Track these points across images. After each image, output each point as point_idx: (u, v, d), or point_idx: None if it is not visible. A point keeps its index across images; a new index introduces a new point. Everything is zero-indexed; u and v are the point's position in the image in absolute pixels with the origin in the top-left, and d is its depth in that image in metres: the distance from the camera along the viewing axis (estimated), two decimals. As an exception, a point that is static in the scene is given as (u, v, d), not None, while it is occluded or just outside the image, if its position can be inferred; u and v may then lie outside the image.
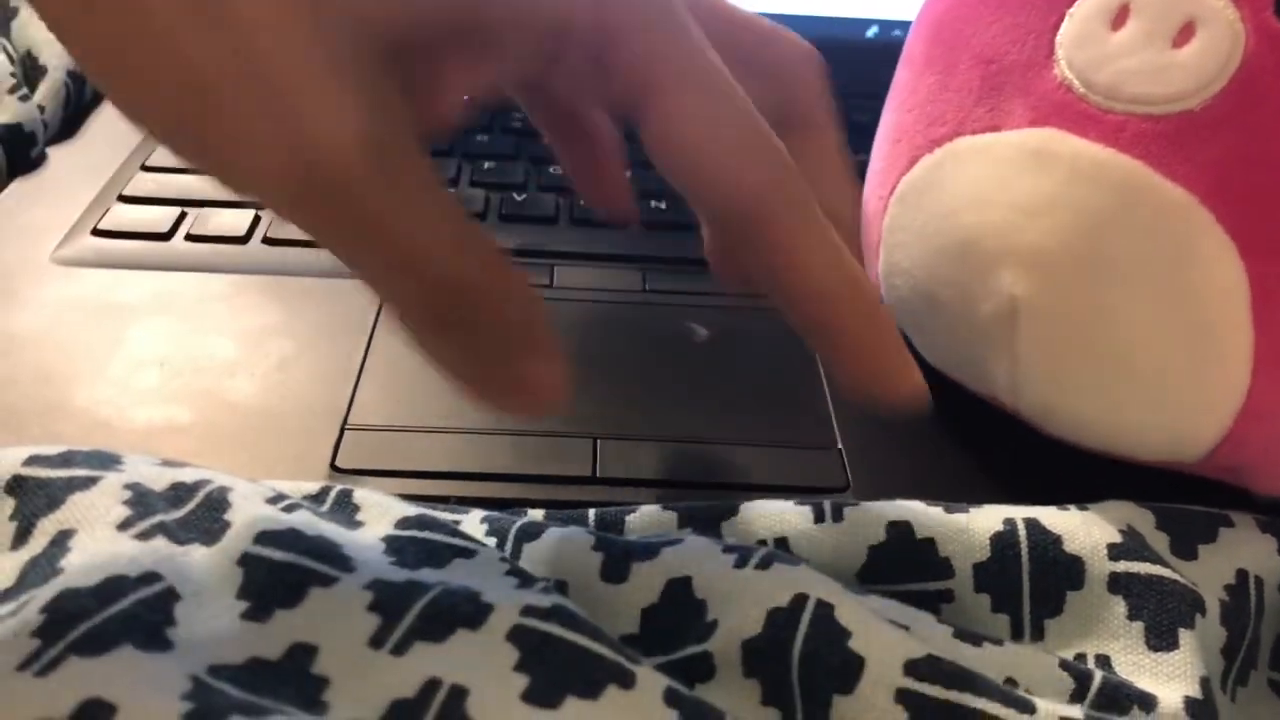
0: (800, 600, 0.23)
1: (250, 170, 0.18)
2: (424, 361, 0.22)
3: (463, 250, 0.20)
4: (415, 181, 0.19)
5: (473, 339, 0.21)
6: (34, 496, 0.22)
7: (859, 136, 0.35)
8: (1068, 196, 0.27)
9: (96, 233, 0.40)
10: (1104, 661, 0.25)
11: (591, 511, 0.28)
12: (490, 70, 0.21)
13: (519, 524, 0.26)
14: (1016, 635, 0.26)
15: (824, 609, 0.23)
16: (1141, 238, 0.26)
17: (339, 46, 0.18)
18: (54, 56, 0.48)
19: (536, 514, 0.28)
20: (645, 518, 0.28)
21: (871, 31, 0.55)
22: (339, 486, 0.27)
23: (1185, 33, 0.26)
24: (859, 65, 0.42)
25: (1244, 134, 0.26)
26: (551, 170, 0.46)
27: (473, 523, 0.27)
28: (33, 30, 0.49)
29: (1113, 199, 0.27)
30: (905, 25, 0.52)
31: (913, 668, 0.21)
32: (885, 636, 0.22)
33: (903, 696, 0.21)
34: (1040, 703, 0.21)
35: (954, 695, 0.21)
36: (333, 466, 0.30)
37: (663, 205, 0.44)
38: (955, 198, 0.29)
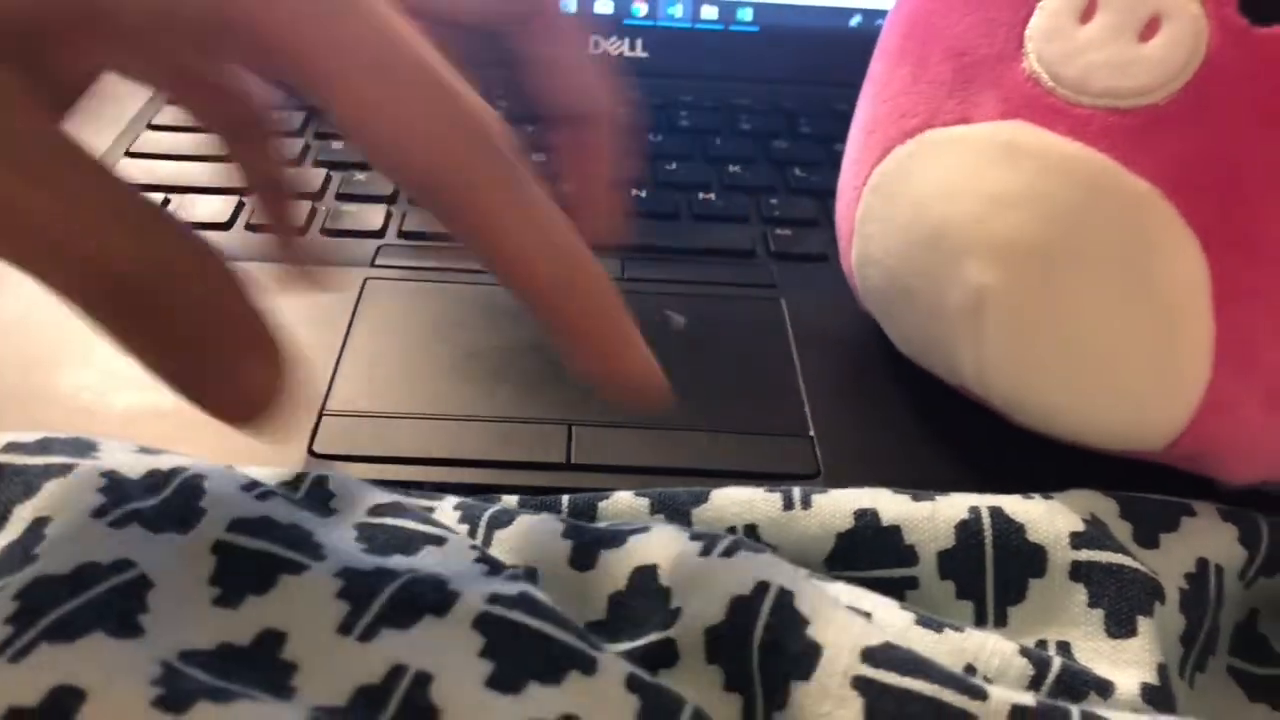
0: (762, 588, 0.23)
1: None
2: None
3: (127, 232, 0.18)
4: (42, 156, 0.17)
5: (165, 333, 0.19)
6: (10, 484, 0.23)
7: (841, 124, 0.35)
8: (1035, 189, 0.27)
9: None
10: (1064, 648, 0.26)
11: (565, 498, 0.28)
12: (131, 58, 0.20)
13: (490, 511, 0.27)
14: (980, 622, 0.27)
15: (785, 597, 0.23)
16: (1106, 230, 0.27)
17: None
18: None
19: (510, 500, 0.28)
20: (618, 504, 0.28)
21: (855, 20, 0.55)
22: (314, 473, 0.27)
23: (1151, 27, 0.26)
24: (842, 54, 0.42)
25: (1206, 128, 0.26)
26: (533, 158, 0.46)
27: (445, 510, 0.27)
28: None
29: (1079, 192, 0.27)
30: (887, 15, 0.52)
31: (869, 655, 0.22)
32: (843, 624, 0.23)
33: (858, 683, 0.21)
34: (993, 689, 0.21)
35: (908, 682, 0.21)
36: (310, 451, 0.30)
37: (642, 193, 0.45)
38: (926, 188, 0.30)
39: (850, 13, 0.54)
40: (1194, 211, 0.26)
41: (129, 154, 0.44)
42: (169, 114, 0.48)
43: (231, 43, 0.18)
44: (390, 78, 0.19)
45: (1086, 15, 0.27)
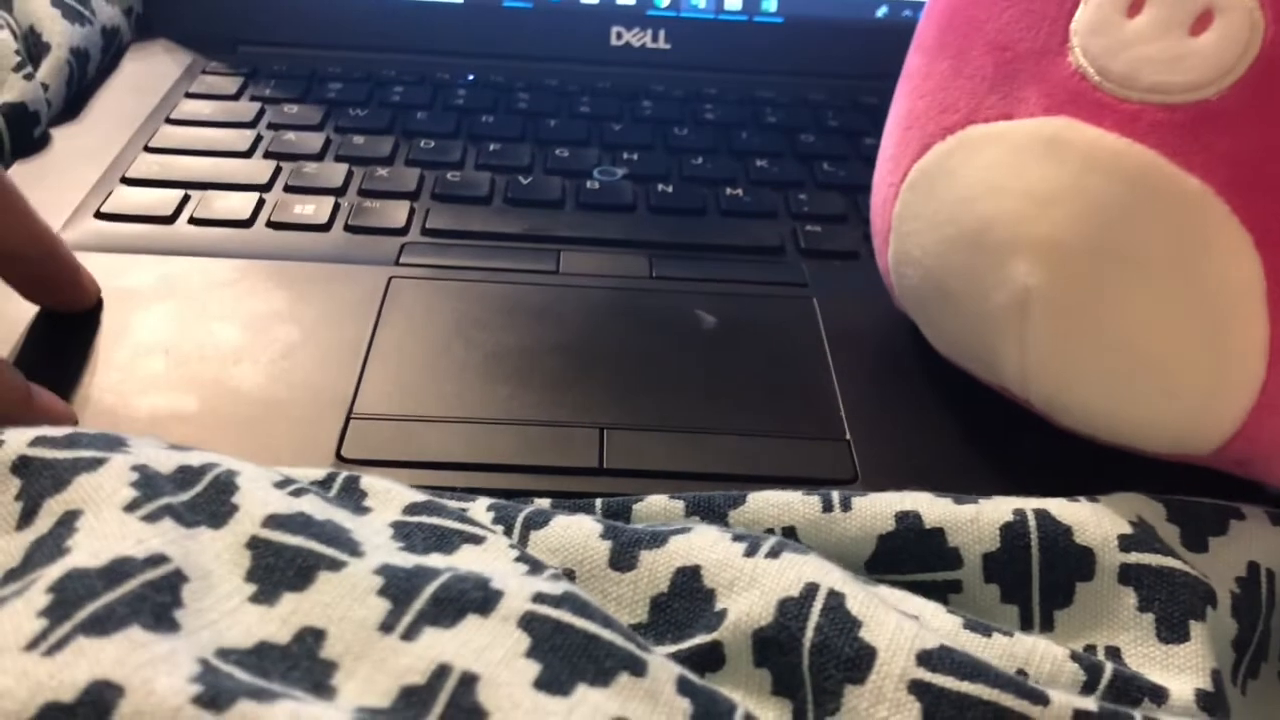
0: (811, 590, 0.23)
1: None
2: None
3: None
4: None
5: None
6: (40, 477, 0.22)
7: (868, 117, 0.35)
8: (1082, 186, 0.27)
9: (100, 215, 0.39)
10: (1114, 653, 0.25)
11: (598, 501, 0.28)
12: None
13: (525, 512, 0.26)
14: (1026, 626, 0.26)
15: (835, 599, 0.22)
16: (1156, 229, 0.26)
17: None
18: (57, 34, 0.48)
19: (543, 502, 0.28)
20: (652, 506, 0.28)
21: (881, 11, 0.54)
22: (345, 473, 0.27)
23: (1203, 21, 0.26)
24: (869, 45, 0.42)
25: (1261, 125, 0.25)
26: (558, 153, 0.46)
27: (479, 510, 0.26)
28: (35, 6, 0.49)
29: (1127, 189, 0.26)
30: (915, 5, 0.52)
31: (925, 658, 0.21)
32: (897, 626, 0.22)
33: (915, 687, 0.21)
34: (1054, 694, 0.21)
35: (967, 686, 0.21)
36: (338, 456, 0.30)
37: (669, 189, 0.44)
38: (968, 186, 0.29)
39: (876, 3, 0.54)
40: (1247, 209, 0.25)
41: (147, 149, 0.44)
42: (187, 108, 0.47)
43: None
44: None
45: (1135, 8, 0.27)
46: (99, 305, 0.35)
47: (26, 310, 0.34)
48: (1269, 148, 0.25)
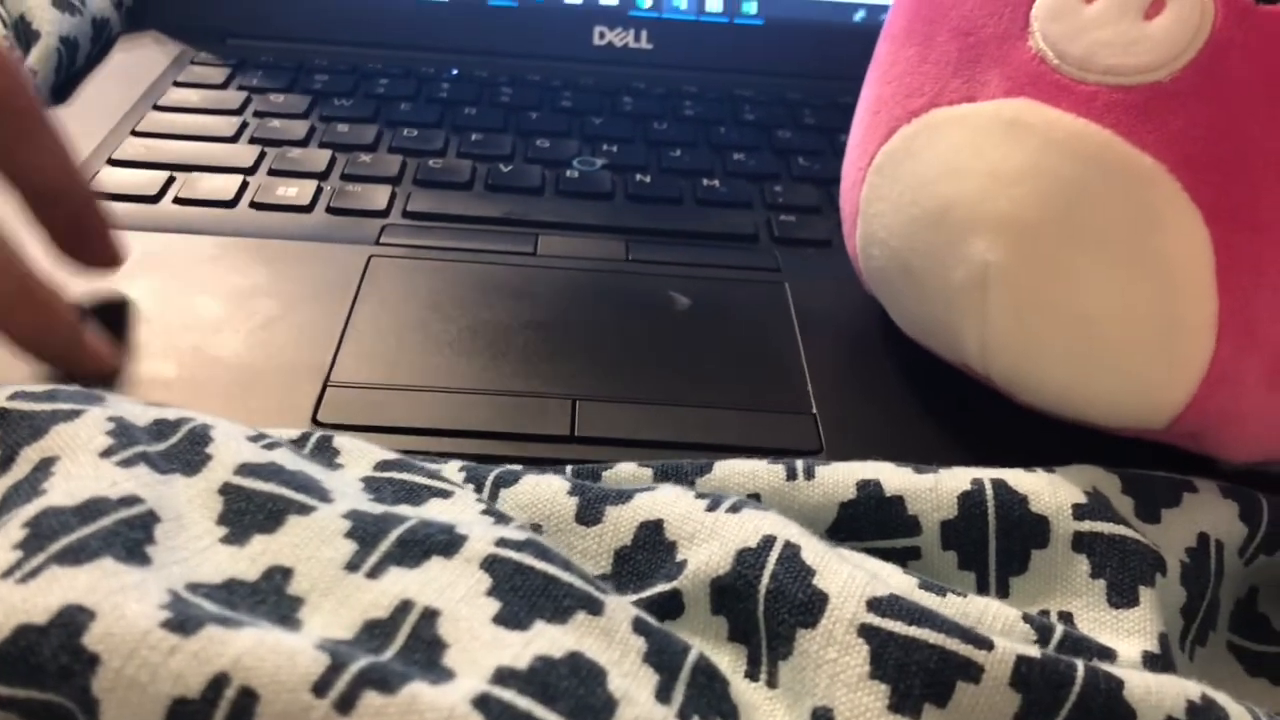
0: (768, 541, 0.23)
1: None
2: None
3: None
4: None
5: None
6: (17, 427, 0.23)
7: (845, 116, 0.36)
8: (1040, 165, 0.28)
9: (85, 194, 0.40)
10: (1066, 618, 0.26)
11: (568, 467, 0.28)
12: None
13: (496, 472, 0.27)
14: (982, 591, 0.27)
15: (791, 549, 0.23)
16: (1110, 206, 0.27)
17: None
18: (47, 22, 0.49)
19: (514, 466, 0.28)
20: (621, 473, 0.28)
21: (859, 15, 0.55)
22: (319, 433, 0.27)
23: (1156, 5, 0.27)
24: (847, 48, 0.43)
25: (1210, 105, 0.26)
26: (539, 144, 0.47)
27: (451, 470, 0.27)
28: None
29: (1084, 168, 0.27)
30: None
31: (875, 604, 0.22)
32: (849, 575, 0.23)
33: (864, 631, 0.22)
34: (999, 640, 0.22)
35: (914, 630, 0.22)
36: (314, 420, 0.30)
37: (646, 179, 0.45)
38: (931, 167, 0.30)
39: (854, 7, 0.55)
40: (1198, 187, 0.26)
41: (134, 133, 0.44)
42: (175, 96, 0.48)
43: None
44: None
45: (1092, -6, 0.28)
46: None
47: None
48: (1218, 127, 0.26)
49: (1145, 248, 0.27)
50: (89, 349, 0.30)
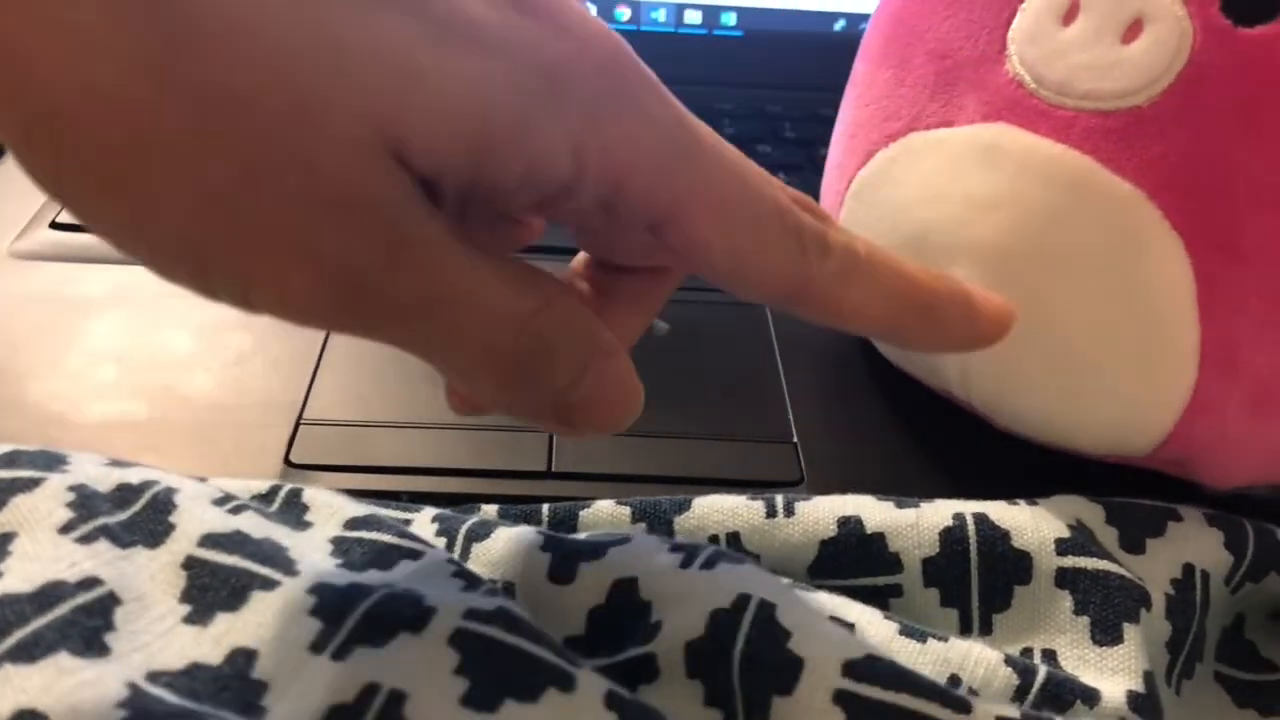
0: (743, 600, 0.23)
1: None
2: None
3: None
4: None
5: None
6: None
7: (825, 128, 0.35)
8: (1018, 191, 0.27)
9: (55, 225, 0.39)
10: (1050, 656, 0.25)
11: (545, 507, 0.28)
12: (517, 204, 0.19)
13: (468, 524, 0.26)
14: (965, 629, 0.26)
15: (766, 610, 0.23)
16: (1090, 232, 0.27)
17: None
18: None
19: (490, 510, 0.28)
20: (599, 513, 0.28)
21: (839, 25, 0.55)
22: (288, 486, 0.27)
23: (1134, 29, 0.26)
24: (826, 58, 0.42)
25: (1190, 130, 0.26)
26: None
27: (423, 521, 0.27)
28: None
29: (1062, 194, 0.27)
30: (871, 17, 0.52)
31: (850, 668, 0.22)
32: (825, 636, 0.22)
33: (840, 698, 0.21)
34: (977, 703, 0.21)
35: (890, 696, 0.21)
36: (286, 461, 0.30)
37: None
38: (908, 192, 0.29)
39: (834, 17, 0.54)
40: (1178, 213, 0.26)
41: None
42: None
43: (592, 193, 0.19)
44: (731, 210, 0.20)
45: (1069, 17, 0.27)
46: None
47: (-24, 319, 0.34)
48: (1198, 153, 0.26)
49: (1125, 275, 0.26)
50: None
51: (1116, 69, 0.26)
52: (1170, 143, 0.26)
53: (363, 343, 0.34)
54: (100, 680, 0.18)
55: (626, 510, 0.28)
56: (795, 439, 0.32)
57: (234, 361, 0.33)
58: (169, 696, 0.18)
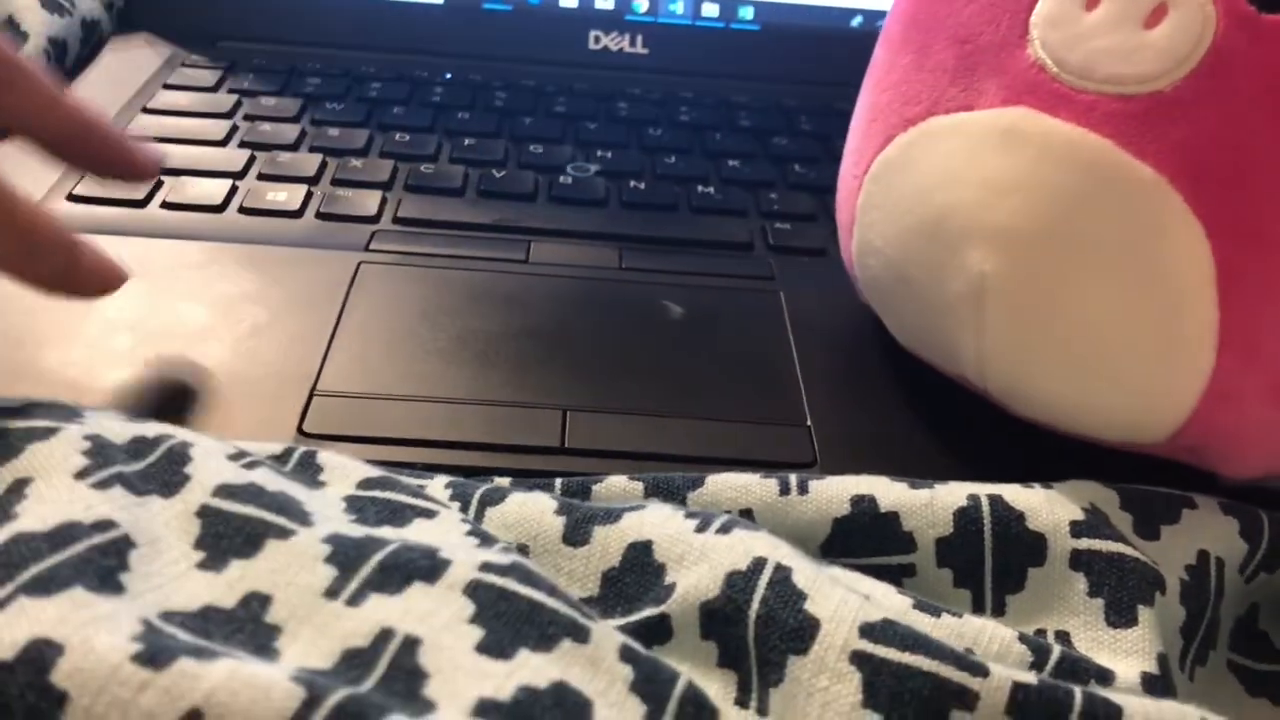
0: (758, 564, 0.23)
1: None
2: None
3: None
4: None
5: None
6: None
7: (841, 122, 0.35)
8: (1038, 175, 0.27)
9: (72, 198, 0.40)
10: (1063, 637, 0.25)
11: (558, 480, 0.28)
12: None
13: (482, 489, 0.26)
14: (978, 610, 0.26)
15: (781, 572, 0.23)
16: (1110, 217, 0.26)
17: None
18: (35, 23, 0.48)
19: (502, 481, 0.28)
20: (611, 487, 0.28)
21: (856, 21, 0.55)
22: (303, 448, 0.27)
23: (1157, 14, 0.26)
24: (844, 53, 0.42)
25: (1212, 115, 0.26)
26: (532, 149, 0.46)
27: (436, 487, 0.26)
28: (15, -4, 0.49)
29: (1082, 178, 0.27)
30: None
31: (868, 630, 0.22)
32: (841, 599, 0.22)
33: (857, 658, 0.21)
34: (995, 667, 0.21)
35: (908, 657, 0.21)
36: (300, 431, 0.30)
37: (641, 185, 0.44)
38: (927, 176, 0.29)
39: (852, 13, 0.54)
40: (1199, 198, 0.26)
41: (123, 137, 0.44)
42: (165, 99, 0.47)
43: None
44: None
45: (1092, 2, 0.27)
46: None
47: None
48: (1220, 138, 0.26)
49: (1145, 260, 0.26)
50: (87, 267, 0.29)
51: (1139, 54, 0.26)
52: (1192, 128, 0.26)
53: (377, 318, 0.34)
54: (115, 615, 0.18)
55: (639, 485, 0.28)
56: (809, 421, 0.32)
57: (249, 333, 0.33)
58: (182, 634, 0.18)
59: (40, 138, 0.30)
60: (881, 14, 0.54)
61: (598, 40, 0.55)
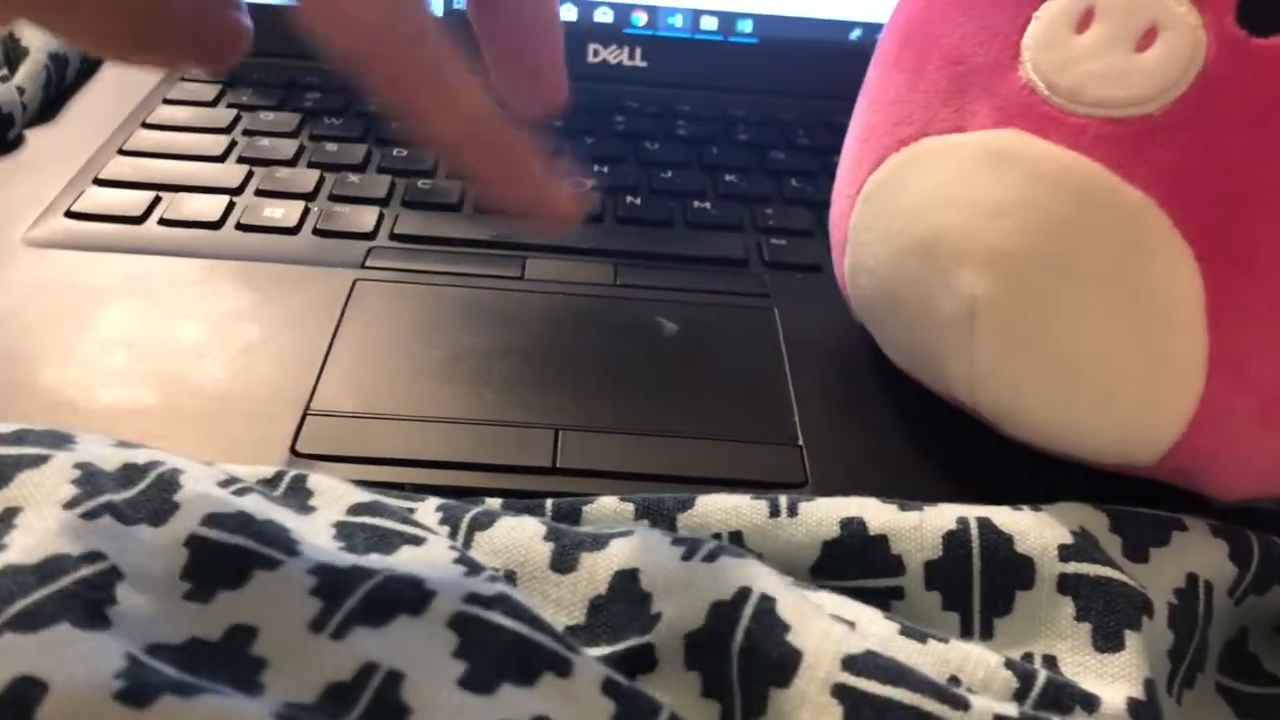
0: (743, 594, 0.23)
1: None
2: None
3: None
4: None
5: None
6: None
7: (839, 136, 0.35)
8: (1028, 198, 0.27)
9: (70, 215, 0.40)
10: (1050, 662, 0.25)
11: (549, 502, 0.28)
12: None
13: (472, 513, 0.26)
14: (966, 634, 0.26)
15: (766, 603, 0.23)
16: (1100, 240, 0.27)
17: None
18: (36, 38, 0.48)
19: (493, 503, 0.28)
20: (602, 509, 0.28)
21: (855, 34, 0.55)
22: (293, 471, 0.27)
23: (1148, 37, 0.26)
24: (842, 67, 0.42)
25: (1202, 139, 0.26)
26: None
27: (427, 510, 0.27)
28: (16, 12, 0.49)
29: (1073, 201, 0.27)
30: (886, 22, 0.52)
31: (849, 663, 0.22)
32: (825, 631, 0.22)
33: (838, 691, 0.21)
34: (976, 700, 0.21)
35: (889, 691, 0.21)
36: (293, 451, 0.30)
37: (637, 200, 0.44)
38: (919, 197, 0.29)
39: (850, 26, 0.54)
40: (1188, 222, 0.26)
41: (121, 151, 0.44)
42: (164, 114, 0.48)
43: None
44: None
45: (1083, 25, 0.27)
46: None
47: (-11, 304, 0.34)
48: (1210, 162, 0.26)
49: (1134, 283, 0.26)
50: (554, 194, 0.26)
51: (1129, 77, 0.26)
52: (1182, 151, 0.26)
53: (371, 336, 0.34)
54: (100, 651, 0.18)
55: (630, 507, 0.28)
56: (801, 441, 0.32)
57: (243, 351, 0.33)
58: (168, 669, 0.18)
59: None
60: (880, 27, 0.54)
61: (596, 53, 0.55)
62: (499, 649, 0.20)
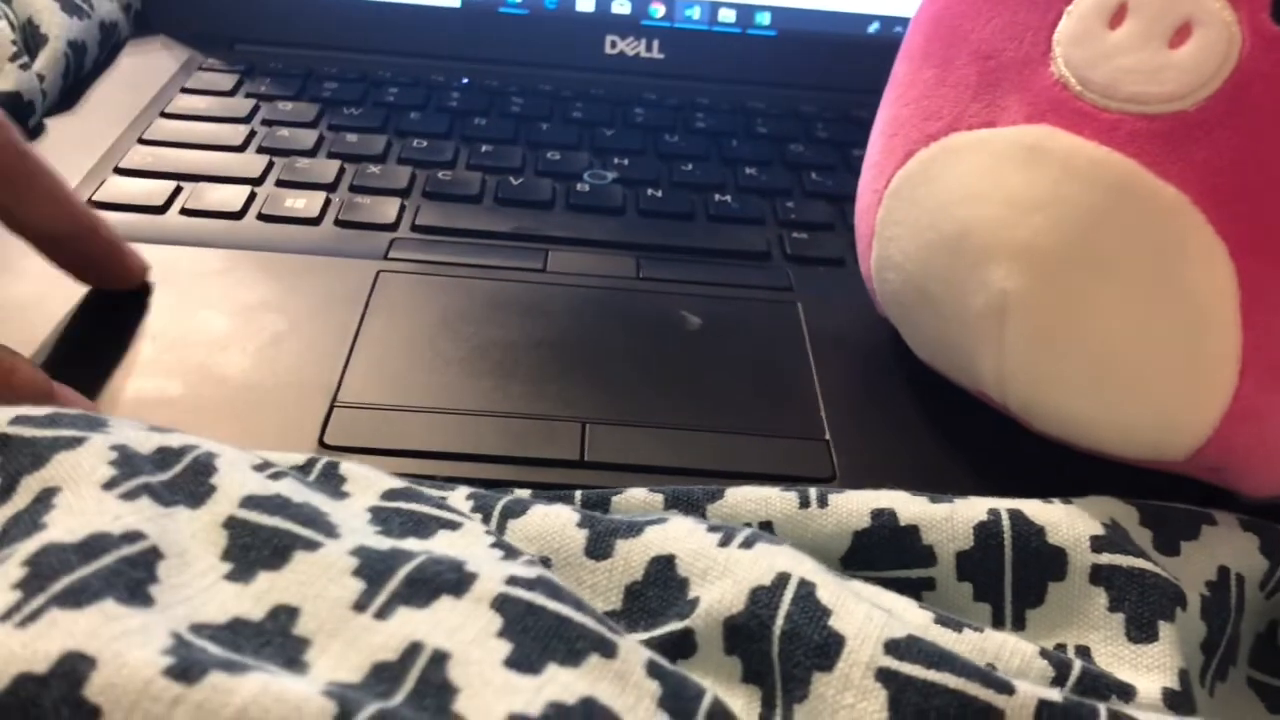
0: (783, 579, 0.23)
1: None
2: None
3: None
4: None
5: None
6: (19, 454, 0.22)
7: (858, 130, 0.36)
8: (1061, 193, 0.27)
9: (91, 204, 0.40)
10: (1084, 652, 0.25)
11: (578, 493, 0.28)
12: None
13: (504, 501, 0.26)
14: (998, 624, 0.26)
15: (806, 588, 0.23)
16: (1132, 236, 0.27)
17: None
18: (55, 26, 0.48)
19: (523, 493, 0.28)
20: (631, 500, 0.28)
21: (873, 27, 0.55)
22: (325, 458, 0.27)
23: (1182, 33, 0.26)
24: (860, 60, 0.42)
25: (1237, 135, 0.26)
26: (549, 156, 0.46)
27: (458, 499, 0.27)
28: (34, -1, 0.49)
29: (1105, 196, 0.27)
30: (907, 21, 0.52)
31: (893, 647, 0.22)
32: (866, 615, 0.22)
33: (882, 675, 0.21)
34: (1020, 684, 0.21)
35: (933, 674, 0.21)
36: (320, 443, 0.30)
37: (658, 193, 0.44)
38: (949, 192, 0.29)
39: (869, 19, 0.54)
40: (1223, 218, 0.26)
41: (141, 141, 0.44)
42: (183, 103, 0.48)
43: None
44: None
45: (1116, 20, 0.27)
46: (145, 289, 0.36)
47: (11, 291, 0.34)
48: (1244, 158, 0.26)
49: (1167, 280, 0.26)
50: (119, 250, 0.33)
51: (1163, 73, 0.26)
52: (1215, 147, 0.26)
53: (397, 327, 0.34)
54: (146, 628, 0.18)
55: (659, 498, 0.28)
56: (828, 436, 0.32)
57: (269, 343, 0.33)
58: (212, 647, 0.18)
59: (42, 234, 0.32)
60: (899, 20, 0.54)
61: (614, 45, 0.55)
62: (543, 630, 0.20)
